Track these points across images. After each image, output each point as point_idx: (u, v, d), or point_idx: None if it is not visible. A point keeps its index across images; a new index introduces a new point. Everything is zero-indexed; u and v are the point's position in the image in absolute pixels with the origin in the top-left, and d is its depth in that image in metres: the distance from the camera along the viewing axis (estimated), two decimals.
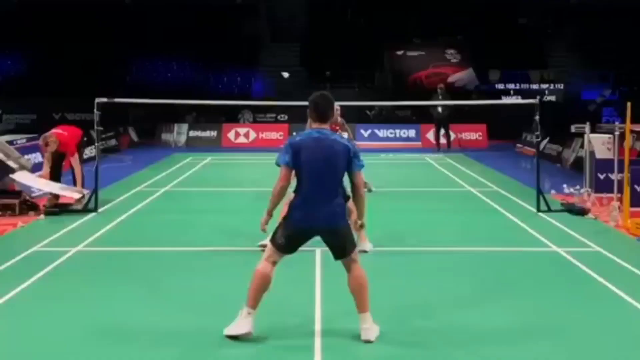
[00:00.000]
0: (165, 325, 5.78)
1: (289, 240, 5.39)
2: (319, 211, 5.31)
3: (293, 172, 5.40)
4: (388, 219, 10.56)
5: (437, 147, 21.73)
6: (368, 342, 5.39)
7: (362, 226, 5.65)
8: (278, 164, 5.38)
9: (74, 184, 11.37)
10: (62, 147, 11.18)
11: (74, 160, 11.28)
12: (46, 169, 11.28)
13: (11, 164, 11.03)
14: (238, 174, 16.34)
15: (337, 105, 13.27)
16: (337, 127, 13.17)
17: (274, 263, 5.45)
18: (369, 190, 12.88)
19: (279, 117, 25.01)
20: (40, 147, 15.05)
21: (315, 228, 5.39)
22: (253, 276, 5.42)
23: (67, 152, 11.27)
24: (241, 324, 5.39)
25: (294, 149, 5.30)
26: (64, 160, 11.51)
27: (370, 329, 5.44)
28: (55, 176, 11.33)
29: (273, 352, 5.30)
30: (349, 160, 5.39)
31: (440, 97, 21.61)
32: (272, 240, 5.45)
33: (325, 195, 5.32)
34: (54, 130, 11.36)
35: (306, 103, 5.57)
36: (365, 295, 5.51)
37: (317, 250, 8.21)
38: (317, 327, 5.76)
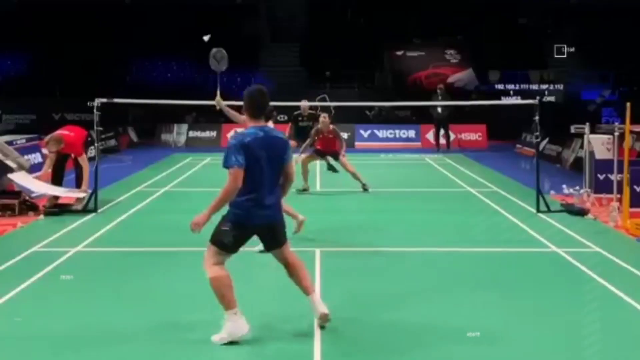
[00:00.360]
0: (165, 326, 5.78)
1: (236, 240, 5.41)
2: (266, 208, 5.40)
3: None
4: (387, 219, 10.57)
5: (437, 148, 21.74)
6: (326, 316, 5.59)
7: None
8: (227, 166, 5.27)
9: (77, 183, 11.32)
10: (68, 148, 11.10)
11: (83, 160, 11.20)
12: (46, 170, 11.25)
13: (9, 163, 11.04)
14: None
15: (324, 114, 13.45)
16: (331, 136, 13.23)
17: (223, 262, 5.44)
18: (365, 190, 12.90)
19: (278, 117, 25.01)
20: (41, 147, 15.10)
21: (263, 224, 5.46)
22: (212, 286, 5.36)
23: (74, 152, 11.14)
24: (237, 326, 5.36)
25: (245, 149, 5.27)
26: (67, 161, 11.47)
27: (321, 303, 5.65)
28: (57, 177, 11.29)
29: (272, 352, 5.31)
30: (286, 153, 5.54)
31: (440, 97, 21.62)
32: (216, 242, 5.39)
33: (270, 192, 5.42)
34: (59, 131, 11.33)
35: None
36: (308, 278, 5.75)
37: (316, 251, 8.24)
38: (317, 328, 5.76)
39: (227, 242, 5.36)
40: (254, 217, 5.37)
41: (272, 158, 5.39)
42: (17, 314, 6.08)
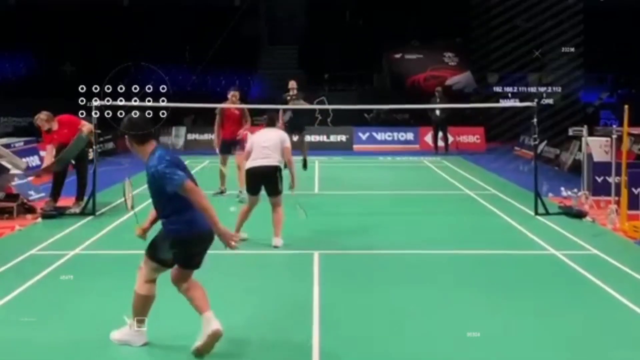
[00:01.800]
0: (162, 332, 5.75)
1: (202, 254, 5.27)
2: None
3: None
4: (386, 221, 10.57)
5: (435, 150, 21.74)
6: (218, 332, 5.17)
7: None
8: (178, 185, 5.02)
9: (78, 189, 11.27)
10: (66, 128, 10.91)
11: (85, 125, 11.08)
12: (49, 160, 11.04)
13: (4, 163, 11.01)
14: (235, 177, 16.31)
15: (234, 90, 12.94)
16: (237, 112, 12.68)
17: (155, 280, 5.36)
18: (239, 198, 11.79)
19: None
20: (39, 148, 15.07)
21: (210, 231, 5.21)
22: (139, 299, 5.32)
23: (74, 126, 11.00)
24: (137, 337, 5.37)
25: (176, 165, 5.16)
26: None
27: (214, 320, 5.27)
28: (60, 175, 11.22)
29: (271, 356, 5.30)
30: None
31: (438, 100, 21.63)
32: (187, 264, 5.22)
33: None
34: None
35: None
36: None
37: (315, 253, 8.24)
38: (315, 330, 5.76)
39: (198, 261, 5.29)
40: (205, 224, 5.12)
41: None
42: (15, 317, 6.08)
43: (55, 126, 11.01)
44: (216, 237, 5.16)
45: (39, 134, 11.66)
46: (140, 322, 5.38)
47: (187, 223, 5.11)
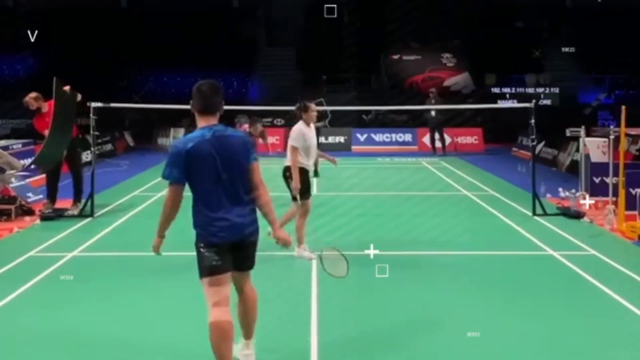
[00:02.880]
0: (162, 336, 5.76)
1: (221, 256, 4.49)
2: (234, 224, 4.52)
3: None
4: (383, 223, 10.58)
5: (433, 151, 21.76)
6: None
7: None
8: (166, 178, 4.51)
9: (75, 190, 11.29)
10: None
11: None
12: None
13: (1, 163, 11.02)
14: None
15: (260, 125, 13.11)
16: (257, 137, 12.91)
17: (224, 300, 4.52)
18: None
19: (275, 121, 25.02)
20: (37, 150, 15.03)
21: (233, 242, 4.54)
22: (209, 335, 4.49)
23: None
24: None
25: (188, 158, 4.43)
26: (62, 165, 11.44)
27: (252, 354, 4.89)
28: (55, 174, 11.23)
29: (271, 356, 5.30)
30: (247, 152, 4.62)
31: (433, 101, 21.64)
32: (202, 270, 4.52)
33: (236, 205, 4.54)
34: None
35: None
36: (255, 319, 4.91)
37: (313, 255, 8.23)
38: (314, 331, 5.77)
39: (213, 263, 4.48)
40: (220, 235, 4.49)
41: (229, 162, 4.50)
42: (14, 318, 6.08)
43: (45, 108, 11.03)
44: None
45: (32, 117, 11.55)
46: None
47: (196, 225, 4.58)
